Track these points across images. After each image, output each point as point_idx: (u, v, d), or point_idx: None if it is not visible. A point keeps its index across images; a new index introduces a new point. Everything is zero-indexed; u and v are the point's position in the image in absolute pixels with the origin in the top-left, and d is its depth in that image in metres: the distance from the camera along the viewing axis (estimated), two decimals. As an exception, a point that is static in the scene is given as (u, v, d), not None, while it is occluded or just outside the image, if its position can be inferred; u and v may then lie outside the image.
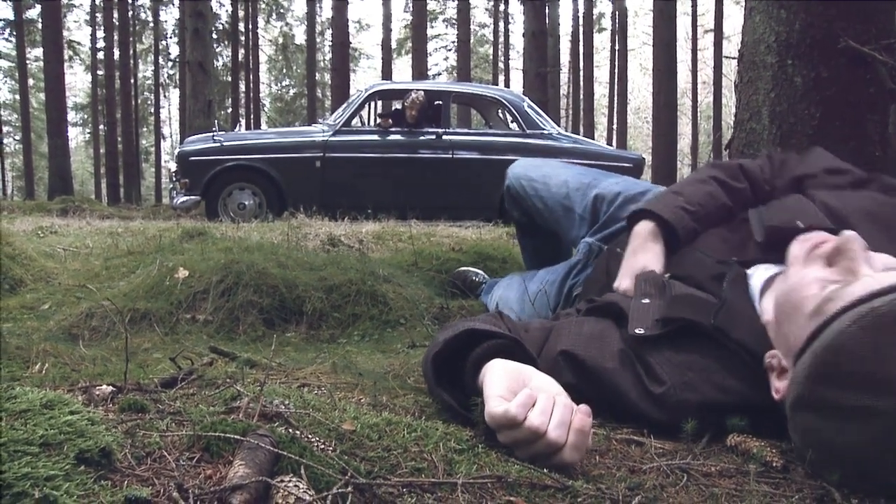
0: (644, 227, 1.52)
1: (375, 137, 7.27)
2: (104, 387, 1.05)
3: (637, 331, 1.21)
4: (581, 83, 24.43)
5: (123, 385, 1.03)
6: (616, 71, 26.02)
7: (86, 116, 33.32)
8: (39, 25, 19.73)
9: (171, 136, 34.51)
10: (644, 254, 1.47)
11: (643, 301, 1.28)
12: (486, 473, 0.79)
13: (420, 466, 0.79)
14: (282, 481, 0.64)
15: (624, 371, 1.19)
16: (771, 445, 1.04)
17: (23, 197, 20.84)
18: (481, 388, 1.03)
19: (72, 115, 32.82)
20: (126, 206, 13.65)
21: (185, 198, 6.93)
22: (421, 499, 0.70)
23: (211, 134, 7.25)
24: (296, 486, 0.63)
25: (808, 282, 1.02)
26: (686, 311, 1.20)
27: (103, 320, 2.50)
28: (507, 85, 25.56)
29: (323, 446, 0.77)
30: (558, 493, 0.78)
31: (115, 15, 22.40)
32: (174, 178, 7.09)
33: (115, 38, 22.50)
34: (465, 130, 8.42)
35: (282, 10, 30.62)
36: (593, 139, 20.39)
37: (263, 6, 29.12)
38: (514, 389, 0.99)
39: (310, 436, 0.79)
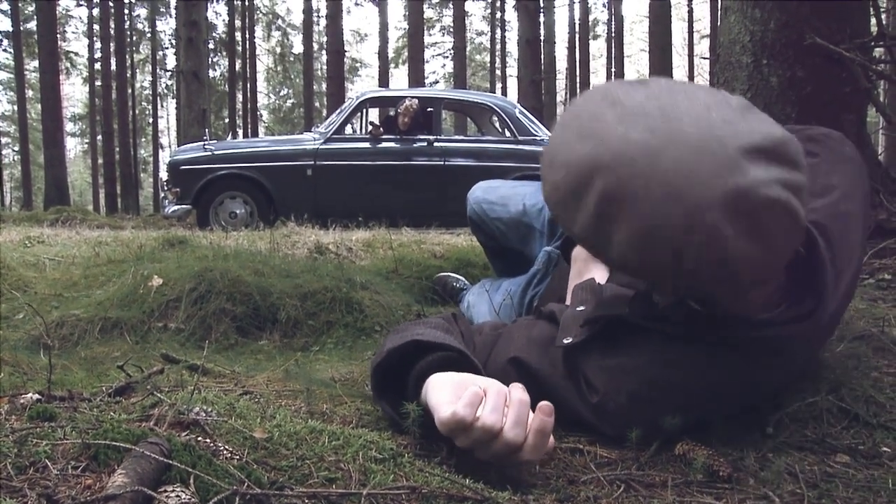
0: (581, 251, 1.47)
1: (367, 145, 7.24)
2: (29, 395, 1.01)
3: (565, 341, 1.15)
4: (578, 90, 24.44)
5: (47, 393, 0.99)
6: (613, 77, 26.04)
7: (84, 127, 33.35)
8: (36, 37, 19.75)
9: (169, 147, 34.50)
10: (588, 274, 1.42)
11: (578, 309, 1.22)
12: (401, 484, 0.75)
13: (333, 476, 0.75)
14: (164, 491, 0.60)
15: (568, 379, 1.14)
16: (720, 454, 1.00)
17: (20, 207, 20.84)
18: (425, 402, 0.98)
19: (70, 126, 32.94)
20: (121, 216, 13.63)
21: (176, 207, 6.90)
22: (321, 511, 0.66)
23: (202, 143, 7.22)
24: (178, 496, 0.59)
25: None
26: (608, 310, 1.15)
27: (73, 329, 2.47)
28: (504, 92, 25.59)
29: (230, 455, 0.73)
30: (476, 505, 0.74)
31: (112, 25, 22.44)
32: (165, 188, 7.07)
33: (112, 48, 22.52)
34: (457, 137, 8.39)
35: (280, 23, 30.68)
36: (590, 146, 20.27)
37: (261, 17, 29.20)
38: (461, 395, 0.93)
39: (220, 444, 0.75)
